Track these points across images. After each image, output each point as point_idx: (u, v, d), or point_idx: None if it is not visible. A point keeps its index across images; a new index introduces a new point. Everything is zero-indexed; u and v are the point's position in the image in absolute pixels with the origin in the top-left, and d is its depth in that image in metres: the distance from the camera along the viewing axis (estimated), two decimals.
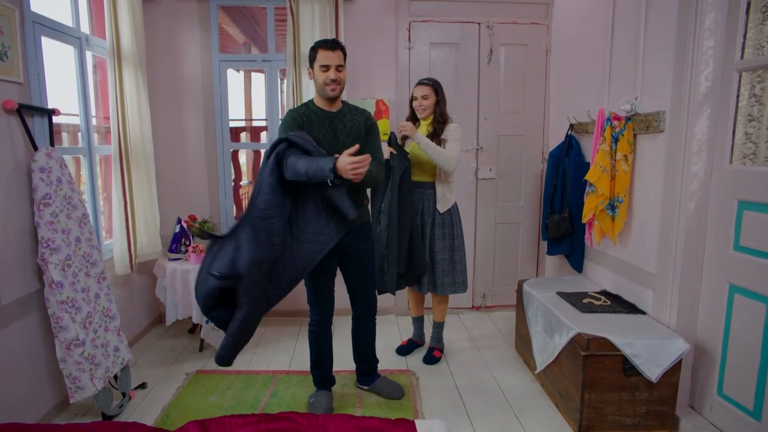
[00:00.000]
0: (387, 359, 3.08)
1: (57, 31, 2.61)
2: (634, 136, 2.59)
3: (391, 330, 3.61)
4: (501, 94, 3.82)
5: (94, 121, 3.04)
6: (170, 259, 3.25)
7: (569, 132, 3.26)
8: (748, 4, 2.07)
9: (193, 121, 3.68)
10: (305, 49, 3.40)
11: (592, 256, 3.10)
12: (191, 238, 3.38)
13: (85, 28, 3.00)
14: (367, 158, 2.03)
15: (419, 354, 3.19)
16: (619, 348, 2.22)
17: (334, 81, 2.28)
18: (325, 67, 2.28)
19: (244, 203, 5.60)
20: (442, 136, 2.83)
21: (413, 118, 2.96)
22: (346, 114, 2.40)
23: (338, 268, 2.52)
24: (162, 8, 3.54)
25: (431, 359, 3.08)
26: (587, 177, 2.73)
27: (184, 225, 3.37)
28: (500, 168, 3.89)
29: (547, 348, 2.64)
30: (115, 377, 2.55)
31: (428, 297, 3.21)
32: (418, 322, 3.28)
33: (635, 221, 2.64)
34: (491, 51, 3.75)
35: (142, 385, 2.76)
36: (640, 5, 2.53)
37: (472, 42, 3.74)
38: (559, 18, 3.64)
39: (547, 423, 2.44)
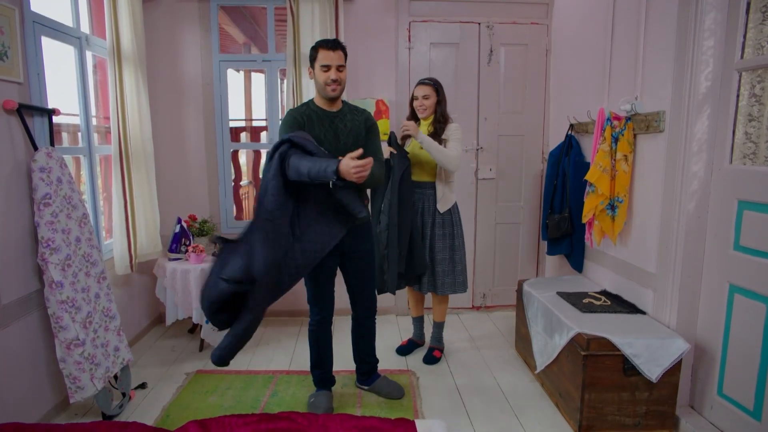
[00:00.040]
0: (387, 359, 3.08)
1: (57, 31, 2.61)
2: (634, 136, 2.59)
3: (391, 330, 3.61)
4: (501, 94, 3.82)
5: (94, 121, 3.04)
6: (170, 259, 3.25)
7: (569, 132, 3.26)
8: (748, 4, 2.07)
9: (193, 121, 3.68)
10: (305, 49, 3.40)
11: (592, 256, 3.10)
12: (191, 238, 3.38)
13: (85, 28, 3.00)
14: (369, 162, 2.03)
15: (419, 354, 3.19)
16: (619, 348, 2.22)
17: (334, 81, 2.28)
18: (326, 67, 2.27)
19: (244, 203, 5.61)
20: (443, 136, 2.83)
21: (413, 118, 2.96)
22: (347, 114, 2.40)
23: (338, 268, 2.52)
24: (162, 8, 3.54)
25: (431, 359, 3.08)
26: (587, 177, 2.73)
27: (184, 225, 3.37)
28: (500, 168, 3.89)
29: (547, 348, 2.64)
30: (115, 377, 2.55)
31: (428, 297, 3.21)
32: (418, 322, 3.28)
33: (635, 221, 2.64)
34: (491, 51, 3.75)
35: (142, 385, 2.76)
36: (640, 5, 2.53)
37: (472, 42, 3.74)
38: (559, 18, 3.64)
39: (547, 423, 2.44)
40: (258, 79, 6.81)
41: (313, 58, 2.32)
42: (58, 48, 2.70)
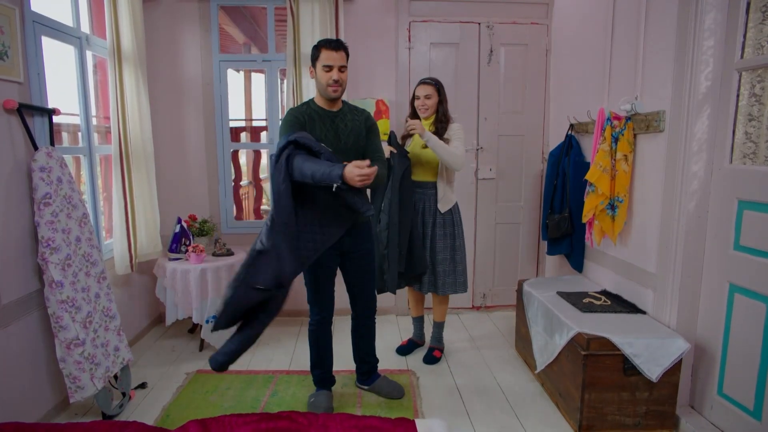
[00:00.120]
0: (387, 359, 3.08)
1: (57, 30, 2.62)
2: (634, 135, 2.59)
3: (391, 330, 3.61)
4: (501, 94, 3.82)
5: (94, 121, 3.04)
6: (170, 259, 3.25)
7: (569, 132, 3.26)
8: (748, 4, 2.08)
9: (193, 121, 3.68)
10: (305, 49, 3.41)
11: (592, 255, 3.10)
12: (191, 237, 3.38)
13: (85, 27, 3.00)
14: (374, 171, 2.03)
15: (419, 354, 3.19)
16: (619, 347, 2.22)
17: (336, 82, 2.27)
18: (328, 68, 2.27)
19: (244, 203, 5.61)
20: (446, 136, 2.83)
21: (414, 118, 2.95)
22: (347, 114, 2.40)
23: (338, 268, 2.52)
24: (162, 8, 3.54)
25: (431, 359, 3.08)
26: (587, 177, 2.73)
27: (184, 225, 3.37)
28: (500, 168, 3.89)
29: (547, 348, 2.64)
30: (115, 377, 2.55)
31: (428, 297, 3.21)
32: (419, 322, 3.28)
33: (635, 221, 2.64)
34: (491, 51, 3.75)
35: (142, 385, 2.76)
36: (640, 5, 2.53)
37: (472, 42, 3.75)
38: (559, 18, 3.64)
39: (547, 423, 2.44)
40: (258, 79, 6.82)
41: (315, 58, 2.31)
42: (59, 48, 2.70)
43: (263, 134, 5.00)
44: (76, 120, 2.91)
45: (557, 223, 3.16)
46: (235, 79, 6.38)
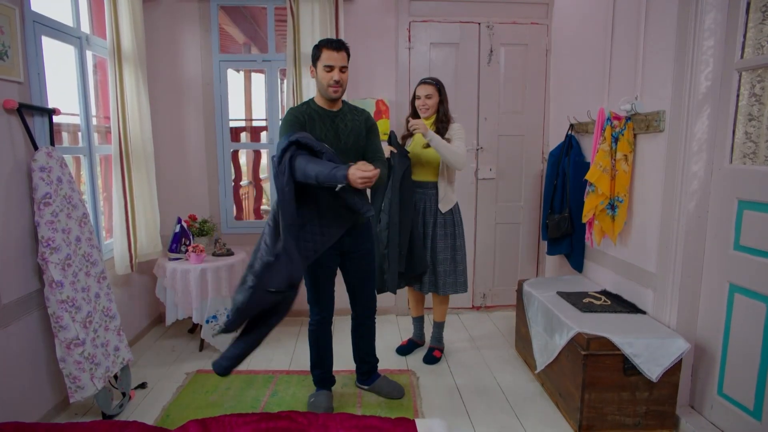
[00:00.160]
0: (387, 359, 3.08)
1: (57, 30, 2.62)
2: (634, 135, 2.59)
3: (391, 330, 3.60)
4: (501, 94, 3.82)
5: (94, 121, 3.04)
6: (170, 259, 3.25)
7: (569, 132, 3.26)
8: (748, 4, 2.08)
9: (193, 121, 3.68)
10: (305, 49, 3.41)
11: (592, 255, 3.10)
12: (191, 237, 3.38)
13: (85, 27, 3.00)
14: (376, 174, 2.03)
15: (419, 354, 3.19)
16: (619, 347, 2.22)
17: (337, 83, 2.27)
18: (329, 68, 2.26)
19: (244, 203, 5.61)
20: (447, 136, 2.83)
21: (415, 117, 2.95)
22: (347, 113, 2.40)
23: (338, 268, 2.52)
24: (162, 8, 3.54)
25: (431, 359, 3.08)
26: (587, 177, 2.73)
27: (184, 225, 3.37)
28: (500, 168, 3.89)
29: (547, 348, 2.64)
30: (115, 377, 2.55)
31: (428, 297, 3.21)
32: (419, 322, 3.28)
33: (635, 221, 2.64)
34: (491, 51, 3.75)
35: (142, 385, 2.76)
36: (640, 5, 2.54)
37: (472, 42, 3.75)
38: (559, 18, 3.64)
39: (547, 423, 2.44)
40: (258, 79, 6.82)
41: (316, 57, 2.30)
42: (59, 48, 2.70)
43: (263, 134, 5.00)
44: (76, 120, 2.92)
45: (557, 223, 3.16)
46: (235, 79, 6.39)
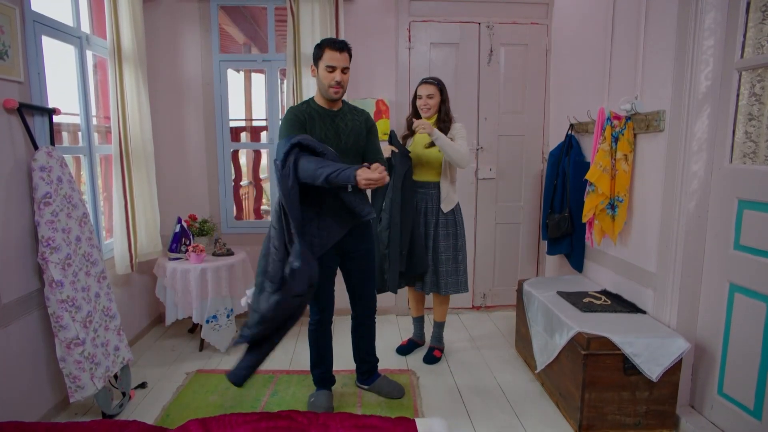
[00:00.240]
0: (387, 359, 3.08)
1: (57, 30, 2.62)
2: (634, 135, 2.59)
3: (391, 330, 3.60)
4: (501, 94, 3.82)
5: (94, 121, 3.04)
6: (170, 259, 3.25)
7: (569, 132, 3.26)
8: (748, 4, 2.08)
9: (193, 121, 3.68)
10: (305, 49, 3.41)
11: (592, 255, 3.10)
12: (191, 237, 3.38)
13: (85, 27, 3.00)
14: (384, 180, 2.04)
15: (419, 354, 3.19)
16: (619, 347, 2.22)
17: (338, 84, 2.27)
18: (331, 68, 2.25)
19: (244, 203, 5.61)
20: (449, 135, 2.82)
21: (416, 117, 2.95)
22: (347, 113, 2.40)
23: (338, 268, 2.52)
24: (162, 8, 3.54)
25: (431, 359, 3.08)
26: (587, 176, 2.73)
27: (184, 225, 3.37)
28: (500, 168, 3.89)
29: (547, 347, 2.63)
30: (115, 376, 2.55)
31: (428, 297, 3.21)
32: (419, 322, 3.28)
33: (635, 221, 2.64)
34: (491, 51, 3.75)
35: (142, 385, 2.76)
36: (640, 5, 2.54)
37: (472, 42, 3.75)
38: (559, 18, 3.64)
39: (548, 422, 2.44)
40: (258, 79, 6.82)
41: (317, 57, 2.30)
42: (59, 47, 2.70)
43: (263, 134, 5.00)
44: (77, 120, 2.91)
45: (557, 223, 3.16)
46: (235, 79, 6.39)
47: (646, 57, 2.52)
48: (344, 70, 2.28)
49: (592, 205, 2.73)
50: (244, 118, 6.66)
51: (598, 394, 2.27)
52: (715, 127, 2.20)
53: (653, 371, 2.20)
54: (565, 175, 3.14)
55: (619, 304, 2.61)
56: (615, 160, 2.62)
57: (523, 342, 3.10)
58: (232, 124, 4.23)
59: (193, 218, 3.47)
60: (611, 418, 2.29)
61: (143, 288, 3.51)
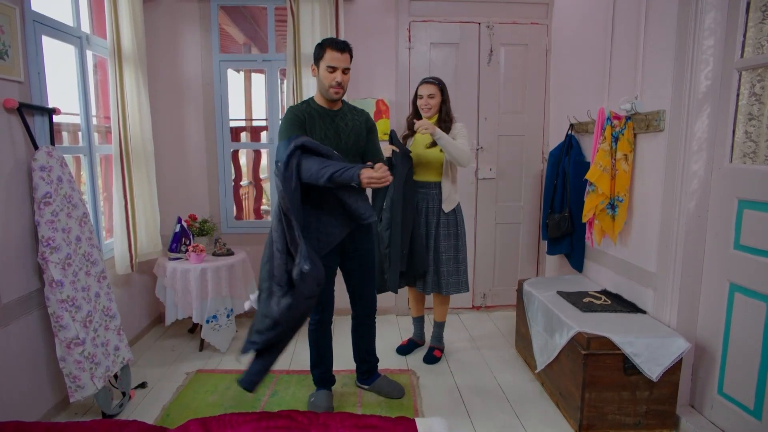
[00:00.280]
0: (387, 359, 3.08)
1: (58, 30, 2.62)
2: (634, 135, 2.59)
3: (391, 330, 3.60)
4: (501, 94, 3.82)
5: (94, 121, 3.04)
6: (170, 259, 3.25)
7: (569, 132, 3.26)
8: (748, 4, 2.08)
9: (193, 121, 3.68)
10: (305, 49, 3.41)
11: (592, 255, 3.10)
12: (191, 237, 3.38)
13: (85, 27, 3.00)
14: (387, 180, 2.04)
15: (419, 354, 3.19)
16: (619, 347, 2.22)
17: (339, 84, 2.26)
18: (332, 69, 2.25)
19: (244, 203, 5.61)
20: (450, 135, 2.82)
21: (416, 117, 2.95)
22: (347, 113, 2.40)
23: (338, 268, 2.52)
24: (162, 8, 3.54)
25: (431, 359, 3.08)
26: (587, 176, 2.73)
27: (185, 224, 3.37)
28: (500, 168, 3.89)
29: (547, 347, 2.63)
30: (115, 376, 2.55)
31: (428, 297, 3.21)
32: (419, 322, 3.28)
33: (635, 220, 2.64)
34: (491, 51, 3.75)
35: (142, 385, 2.76)
36: (640, 5, 2.54)
37: (472, 42, 3.75)
38: (559, 18, 3.65)
39: (548, 422, 2.44)
40: (258, 79, 6.82)
41: (318, 57, 2.29)
42: (59, 47, 2.70)
43: (263, 134, 5.00)
44: (77, 119, 2.92)
45: (557, 223, 3.16)
46: (235, 79, 6.39)
47: (646, 57, 2.52)
48: (345, 71, 2.28)
49: (592, 204, 2.73)
50: (244, 118, 6.67)
51: (598, 394, 2.27)
52: (715, 127, 2.20)
53: (653, 371, 2.20)
54: (565, 175, 3.14)
55: (619, 303, 2.61)
56: (615, 159, 2.62)
57: (523, 342, 3.10)
58: (232, 124, 4.23)
59: (193, 218, 3.47)
60: (611, 417, 2.29)
61: (143, 288, 3.51)
